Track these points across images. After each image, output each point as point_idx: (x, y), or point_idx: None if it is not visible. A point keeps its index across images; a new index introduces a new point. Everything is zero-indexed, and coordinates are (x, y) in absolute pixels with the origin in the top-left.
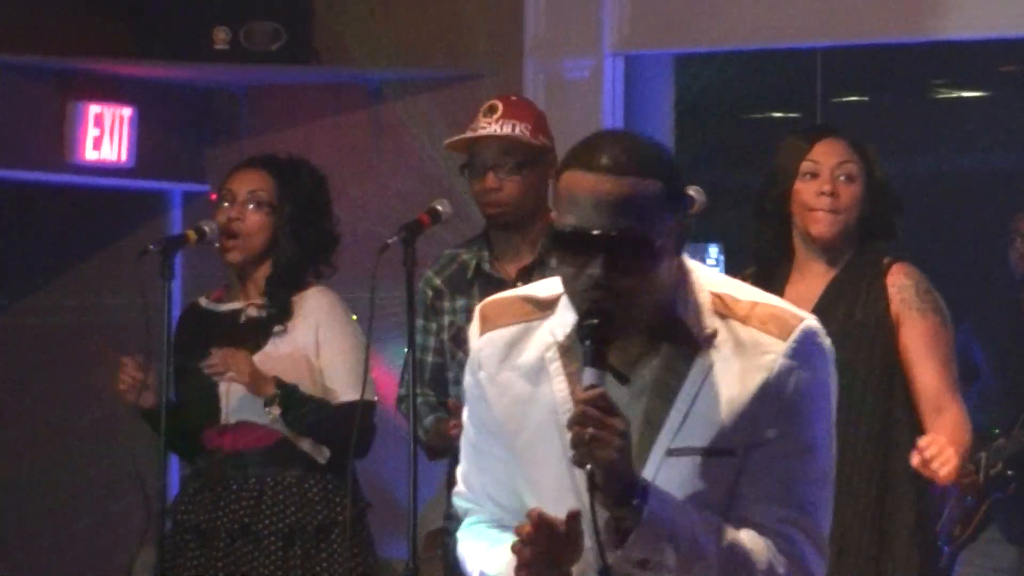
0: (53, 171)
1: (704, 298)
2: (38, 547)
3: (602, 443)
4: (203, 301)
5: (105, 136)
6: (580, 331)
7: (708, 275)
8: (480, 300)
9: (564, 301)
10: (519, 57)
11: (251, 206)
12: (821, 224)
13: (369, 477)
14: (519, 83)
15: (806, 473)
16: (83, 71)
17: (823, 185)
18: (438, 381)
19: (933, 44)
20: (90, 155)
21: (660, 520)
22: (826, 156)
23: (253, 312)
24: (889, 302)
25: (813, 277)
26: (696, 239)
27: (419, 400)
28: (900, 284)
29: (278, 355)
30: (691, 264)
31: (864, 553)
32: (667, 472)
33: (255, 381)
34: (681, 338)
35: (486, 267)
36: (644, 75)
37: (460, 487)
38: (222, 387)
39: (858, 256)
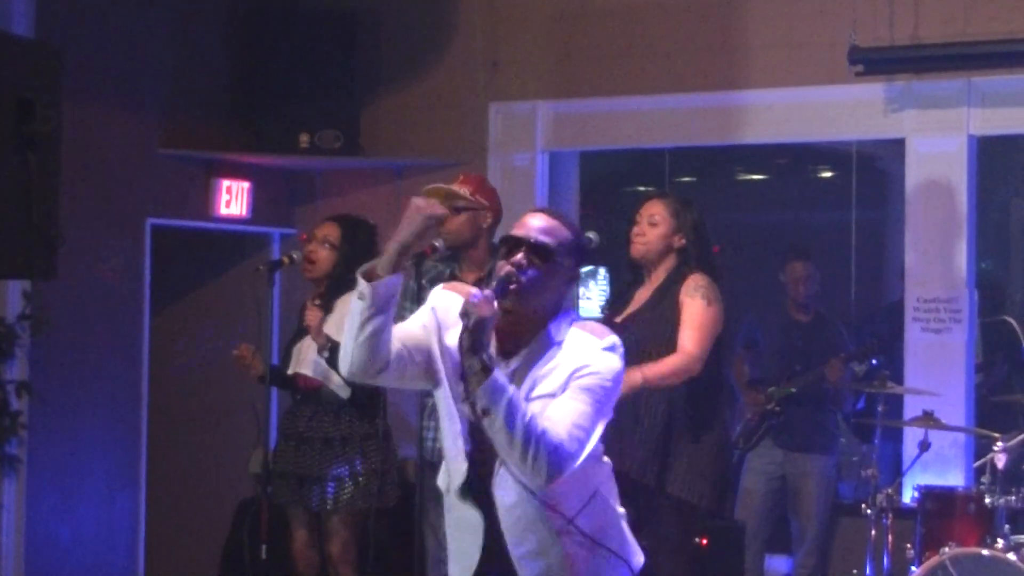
0: (202, 221)
1: (567, 321)
2: (193, 454)
3: (481, 306)
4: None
5: (233, 199)
6: (497, 279)
7: (573, 312)
8: None
9: None
10: (485, 152)
11: (324, 245)
12: (633, 250)
13: (392, 410)
14: (485, 169)
15: (586, 406)
16: (219, 159)
17: (637, 228)
18: None
19: (736, 146)
20: (224, 211)
21: (500, 384)
22: (645, 212)
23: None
24: (678, 296)
25: (650, 284)
26: (595, 262)
27: None
28: (687, 285)
29: (327, 330)
30: (572, 314)
31: (651, 474)
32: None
33: (319, 334)
34: (546, 338)
35: (457, 274)
36: (561, 164)
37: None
38: (294, 352)
39: (674, 273)
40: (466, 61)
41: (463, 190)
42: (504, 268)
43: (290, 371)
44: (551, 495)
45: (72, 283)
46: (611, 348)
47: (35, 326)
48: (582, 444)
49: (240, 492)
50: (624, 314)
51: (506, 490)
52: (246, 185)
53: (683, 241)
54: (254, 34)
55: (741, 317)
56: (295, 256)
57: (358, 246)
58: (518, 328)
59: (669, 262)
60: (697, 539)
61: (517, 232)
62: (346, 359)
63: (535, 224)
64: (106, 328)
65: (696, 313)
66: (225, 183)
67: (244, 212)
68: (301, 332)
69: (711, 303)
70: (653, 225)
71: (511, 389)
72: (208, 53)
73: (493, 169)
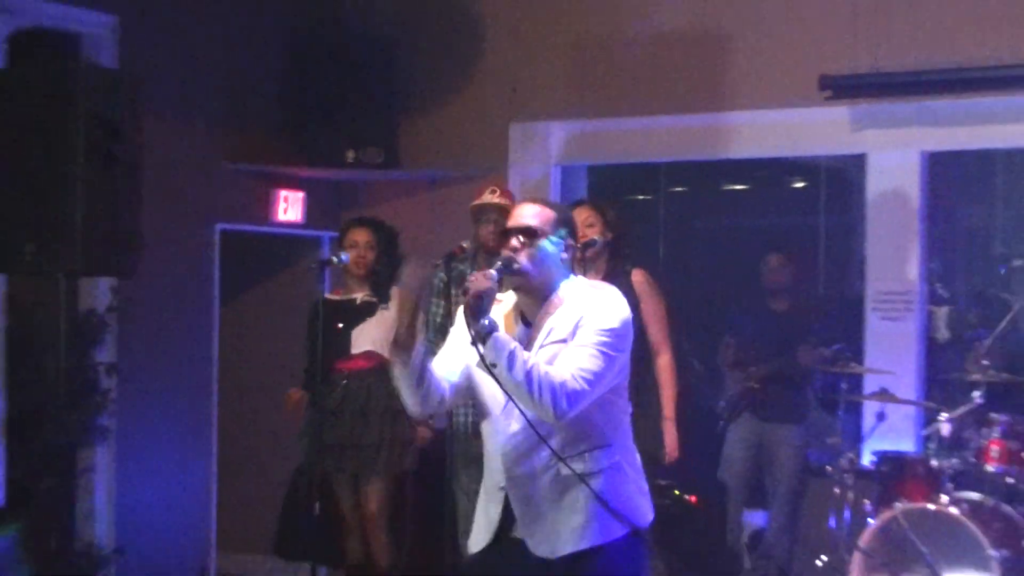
0: (262, 225)
1: (571, 283)
2: (258, 427)
3: (480, 281)
4: (328, 295)
5: (289, 207)
6: (499, 263)
7: (582, 279)
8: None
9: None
10: (505, 165)
11: (366, 249)
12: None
13: None
14: (506, 180)
15: (590, 349)
16: (278, 172)
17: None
18: (442, 332)
19: (722, 160)
20: (281, 217)
21: (501, 341)
22: (578, 215)
23: (366, 299)
24: (635, 289)
25: (595, 276)
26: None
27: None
28: (639, 280)
29: (383, 320)
30: (576, 276)
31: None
32: (538, 353)
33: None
34: (555, 299)
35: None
36: (571, 176)
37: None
38: (353, 334)
39: (614, 265)
40: (490, 85)
41: (507, 201)
42: (504, 253)
43: (353, 350)
44: (549, 430)
45: (153, 280)
46: (612, 295)
47: (121, 317)
48: (589, 382)
49: (297, 460)
50: None
51: (510, 420)
52: (300, 195)
53: (609, 236)
54: (306, 59)
55: (727, 308)
56: (341, 256)
57: (387, 242)
58: (531, 299)
59: (604, 257)
60: (687, 496)
61: (508, 223)
62: (413, 408)
63: (522, 212)
64: (182, 319)
65: (659, 311)
66: (282, 193)
67: (299, 218)
68: (355, 319)
69: (661, 297)
70: (590, 227)
71: (511, 345)
72: (265, 78)
73: (512, 180)
